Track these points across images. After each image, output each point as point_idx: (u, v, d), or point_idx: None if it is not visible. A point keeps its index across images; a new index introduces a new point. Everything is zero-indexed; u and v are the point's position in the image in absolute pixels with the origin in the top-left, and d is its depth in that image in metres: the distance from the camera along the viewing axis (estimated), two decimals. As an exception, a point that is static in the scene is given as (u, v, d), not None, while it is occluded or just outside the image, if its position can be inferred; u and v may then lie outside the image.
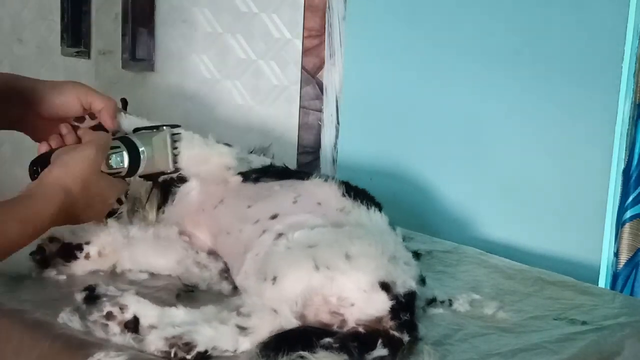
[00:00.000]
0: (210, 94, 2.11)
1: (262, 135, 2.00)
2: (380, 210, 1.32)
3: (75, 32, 2.44)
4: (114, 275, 1.33)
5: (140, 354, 1.08)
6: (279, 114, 2.01)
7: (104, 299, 1.17)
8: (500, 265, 1.50)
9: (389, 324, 1.12)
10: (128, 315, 1.11)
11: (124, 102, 1.85)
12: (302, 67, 1.96)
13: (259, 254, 1.23)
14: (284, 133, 2.00)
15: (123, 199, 1.39)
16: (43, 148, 1.28)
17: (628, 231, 1.60)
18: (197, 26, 2.11)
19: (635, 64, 1.57)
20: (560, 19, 1.65)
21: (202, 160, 1.39)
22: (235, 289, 1.28)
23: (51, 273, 1.31)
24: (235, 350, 1.09)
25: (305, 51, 1.95)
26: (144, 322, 1.11)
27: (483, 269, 1.48)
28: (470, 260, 1.52)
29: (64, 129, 1.30)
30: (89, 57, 2.41)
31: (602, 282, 1.63)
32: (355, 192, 1.34)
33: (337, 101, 1.93)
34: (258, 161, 1.47)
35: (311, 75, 1.95)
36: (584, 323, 1.27)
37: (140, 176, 1.34)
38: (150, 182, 1.41)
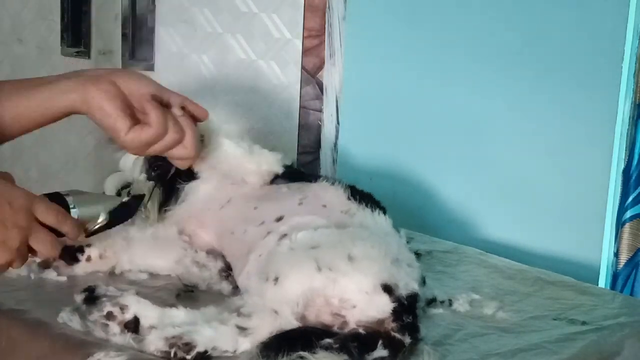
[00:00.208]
0: (210, 94, 2.11)
1: (262, 135, 2.00)
2: (384, 213, 1.33)
3: (75, 32, 2.44)
4: (113, 275, 1.33)
5: (140, 354, 1.08)
6: (279, 114, 2.01)
7: (104, 299, 1.17)
8: (500, 265, 1.50)
9: (390, 325, 1.12)
10: (128, 316, 1.12)
11: None
12: (302, 67, 1.96)
13: (262, 255, 1.23)
14: (284, 133, 2.00)
15: None
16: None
17: (628, 231, 1.61)
18: (197, 26, 2.11)
19: (635, 64, 1.57)
20: (560, 19, 1.65)
21: (239, 164, 1.39)
22: (235, 289, 1.28)
23: (51, 274, 1.31)
24: (235, 351, 1.09)
25: (305, 51, 1.95)
26: (144, 322, 1.11)
27: (483, 269, 1.48)
28: (470, 260, 1.52)
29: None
30: (89, 57, 2.41)
31: (602, 282, 1.63)
32: (361, 196, 1.34)
33: (337, 101, 1.93)
34: None
35: (311, 75, 1.95)
36: (583, 323, 1.27)
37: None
38: (152, 182, 1.41)
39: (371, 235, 1.22)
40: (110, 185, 1.45)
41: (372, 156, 1.91)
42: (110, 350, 1.07)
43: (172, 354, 1.07)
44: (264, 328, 1.10)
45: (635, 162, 1.59)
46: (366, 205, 1.32)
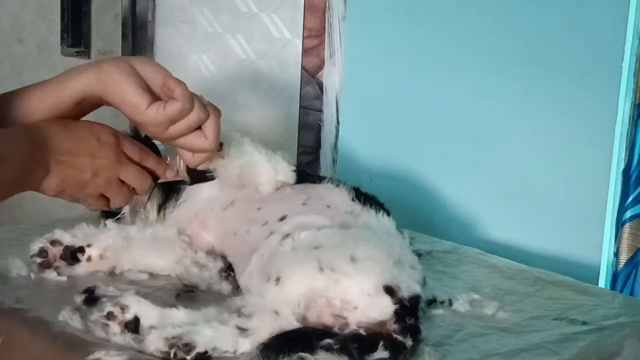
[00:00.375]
0: (210, 94, 2.11)
1: (262, 135, 2.00)
2: (388, 214, 1.33)
3: (75, 32, 2.44)
4: (113, 275, 1.33)
5: (140, 354, 1.08)
6: (279, 114, 2.01)
7: (105, 299, 1.17)
8: (500, 265, 1.50)
9: (392, 327, 1.12)
10: (129, 316, 1.12)
11: None
12: (302, 67, 1.96)
13: (265, 255, 1.23)
14: (284, 133, 2.00)
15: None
16: None
17: (628, 231, 1.61)
18: (197, 26, 2.11)
19: (635, 64, 1.57)
20: (560, 19, 1.65)
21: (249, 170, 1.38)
22: (235, 289, 1.28)
23: (52, 274, 1.31)
24: (235, 351, 1.09)
25: (305, 51, 1.95)
26: (144, 322, 1.11)
27: (483, 269, 1.48)
28: (470, 260, 1.52)
29: None
30: (89, 57, 2.42)
31: (602, 282, 1.63)
32: (365, 197, 1.34)
33: (337, 101, 1.93)
34: None
35: (311, 75, 1.95)
36: (584, 323, 1.27)
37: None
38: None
39: (374, 237, 1.22)
40: None
41: (372, 156, 1.91)
42: (110, 349, 1.07)
43: (171, 354, 1.07)
44: (264, 329, 1.10)
45: (635, 162, 1.59)
46: (370, 207, 1.32)
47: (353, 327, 1.12)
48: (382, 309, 1.13)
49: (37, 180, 1.08)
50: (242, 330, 1.10)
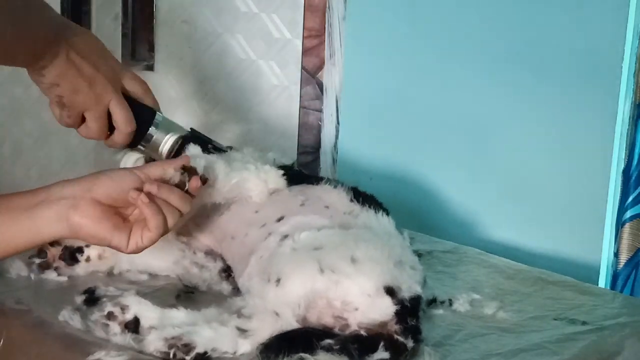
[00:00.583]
0: (210, 94, 2.11)
1: (262, 135, 2.00)
2: (387, 214, 1.32)
3: (75, 32, 2.43)
4: (113, 275, 1.33)
5: (140, 355, 1.08)
6: (279, 114, 2.01)
7: (105, 299, 1.17)
8: (500, 265, 1.50)
9: (393, 328, 1.12)
10: (129, 316, 1.12)
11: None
12: (302, 67, 1.96)
13: (264, 256, 1.23)
14: (284, 133, 2.00)
15: None
16: None
17: (628, 231, 1.61)
18: (197, 26, 2.11)
19: (635, 64, 1.57)
20: (560, 19, 1.65)
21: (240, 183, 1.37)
22: (235, 290, 1.28)
23: (51, 275, 1.31)
24: (235, 352, 1.09)
25: (305, 51, 1.95)
26: (144, 322, 1.11)
27: (483, 269, 1.48)
28: (470, 260, 1.52)
29: None
30: (89, 57, 2.41)
31: (602, 282, 1.64)
32: (364, 197, 1.34)
33: (337, 101, 1.93)
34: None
35: (311, 75, 1.95)
36: (584, 323, 1.27)
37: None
38: None
39: (374, 237, 1.22)
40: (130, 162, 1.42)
41: (372, 156, 1.91)
42: (110, 349, 1.07)
43: (171, 355, 1.07)
44: (264, 330, 1.10)
45: (635, 162, 1.59)
46: (369, 207, 1.32)
47: (354, 328, 1.12)
48: (382, 310, 1.12)
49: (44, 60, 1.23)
50: (242, 331, 1.10)
